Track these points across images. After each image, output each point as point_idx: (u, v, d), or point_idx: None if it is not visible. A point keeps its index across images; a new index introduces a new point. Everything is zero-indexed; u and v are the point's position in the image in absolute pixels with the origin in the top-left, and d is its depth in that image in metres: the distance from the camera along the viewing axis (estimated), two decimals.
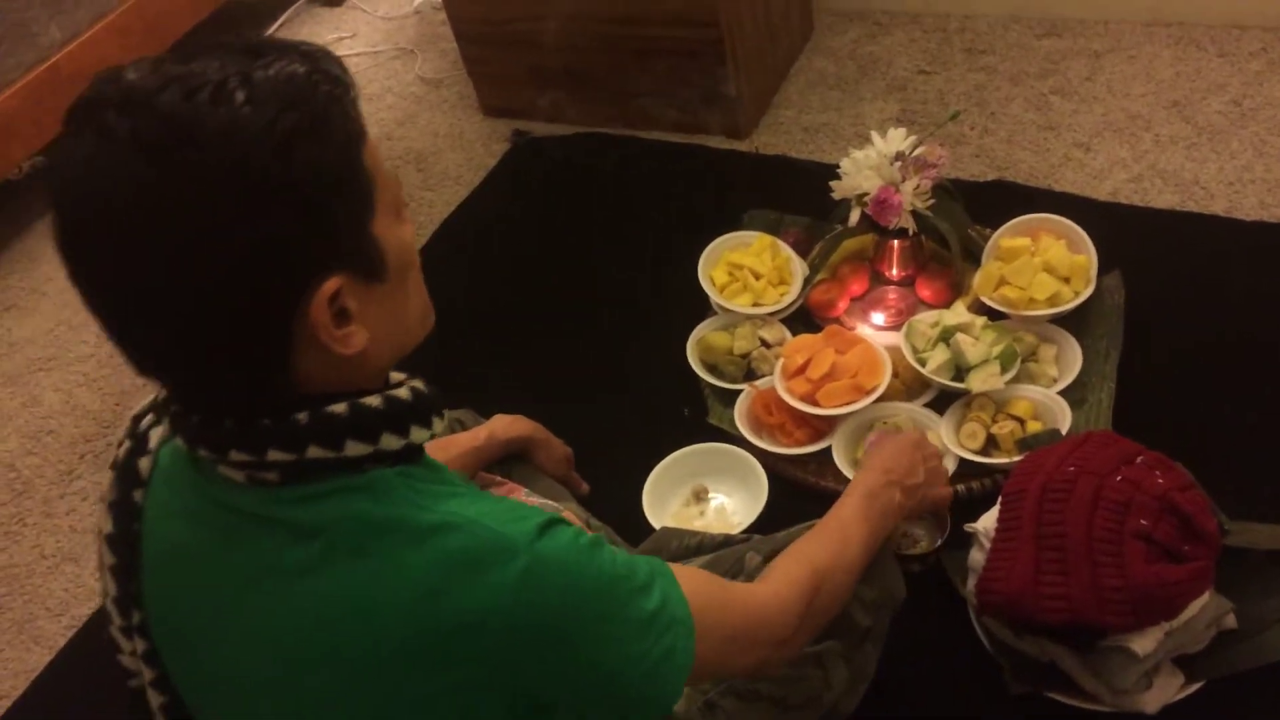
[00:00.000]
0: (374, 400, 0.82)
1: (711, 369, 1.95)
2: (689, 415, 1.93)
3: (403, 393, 0.85)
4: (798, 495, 1.76)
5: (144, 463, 0.91)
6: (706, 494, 1.80)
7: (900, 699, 1.48)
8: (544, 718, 0.85)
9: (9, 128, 2.62)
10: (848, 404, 1.77)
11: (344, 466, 0.81)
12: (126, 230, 0.72)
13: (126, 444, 0.93)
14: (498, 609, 0.78)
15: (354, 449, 0.80)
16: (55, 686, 1.81)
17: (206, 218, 0.71)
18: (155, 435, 0.92)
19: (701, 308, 2.05)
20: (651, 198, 2.46)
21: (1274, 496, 1.61)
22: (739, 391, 1.88)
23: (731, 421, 1.85)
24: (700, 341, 1.98)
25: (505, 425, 1.52)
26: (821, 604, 1.10)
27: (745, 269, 2.02)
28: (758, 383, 1.89)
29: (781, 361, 1.86)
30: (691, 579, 0.93)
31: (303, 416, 0.79)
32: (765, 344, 1.94)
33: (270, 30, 3.35)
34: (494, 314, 2.25)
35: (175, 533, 0.88)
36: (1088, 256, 1.88)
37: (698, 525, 1.74)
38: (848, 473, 1.73)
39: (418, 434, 0.85)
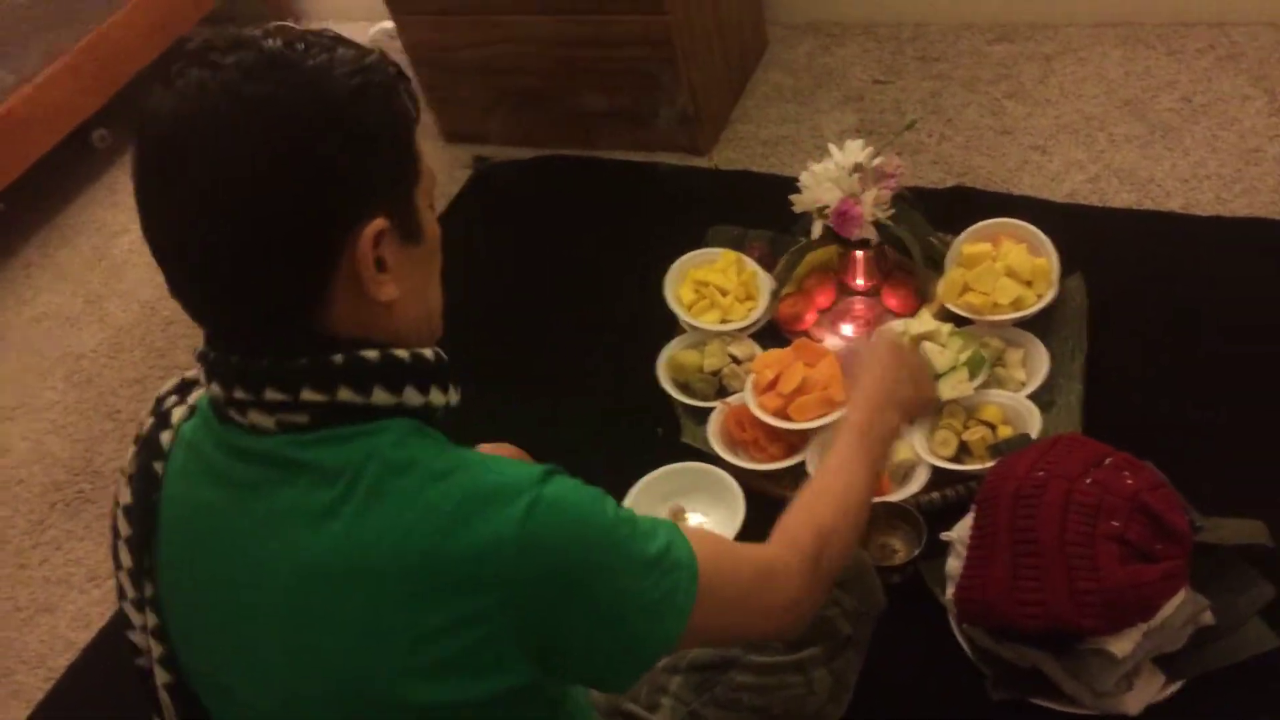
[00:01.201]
0: (402, 353, 0.90)
1: (683, 387, 1.95)
2: (662, 435, 1.93)
3: (428, 353, 0.93)
4: (775, 511, 1.74)
5: (165, 436, 0.97)
6: (684, 514, 1.80)
7: (884, 708, 1.48)
8: (556, 661, 0.89)
9: None
10: (820, 417, 1.77)
11: (369, 415, 0.88)
12: (219, 143, 0.81)
13: (149, 420, 0.99)
14: (506, 540, 0.84)
15: (380, 397, 0.88)
16: None
17: (290, 135, 0.82)
18: (177, 413, 0.98)
19: (670, 326, 2.05)
20: (614, 218, 2.46)
21: (1242, 490, 1.62)
22: (711, 409, 1.89)
23: (705, 440, 1.85)
24: (670, 360, 1.98)
25: (489, 451, 1.52)
26: (831, 560, 1.10)
27: (711, 286, 2.02)
28: (730, 399, 1.89)
29: (752, 377, 1.87)
30: (699, 535, 0.97)
31: (338, 358, 0.86)
32: (735, 360, 1.95)
33: None
34: (462, 341, 2.23)
35: (196, 495, 0.93)
36: (1049, 259, 1.90)
37: None
38: None
39: (436, 396, 0.92)
